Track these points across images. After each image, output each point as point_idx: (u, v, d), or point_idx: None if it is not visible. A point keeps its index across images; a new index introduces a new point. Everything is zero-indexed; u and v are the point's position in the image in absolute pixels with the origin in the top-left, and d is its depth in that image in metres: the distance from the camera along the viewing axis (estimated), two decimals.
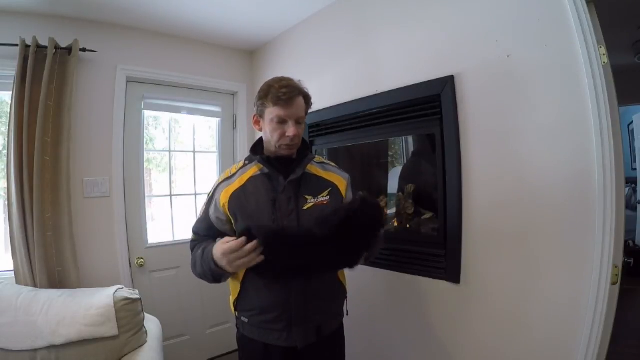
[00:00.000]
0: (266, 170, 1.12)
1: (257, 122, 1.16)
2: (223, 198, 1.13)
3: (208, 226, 1.16)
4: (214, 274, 1.07)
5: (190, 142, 2.53)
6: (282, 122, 1.08)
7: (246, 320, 1.14)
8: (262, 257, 0.95)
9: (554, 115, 1.19)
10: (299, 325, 1.09)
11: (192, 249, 1.18)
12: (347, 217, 0.96)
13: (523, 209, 1.27)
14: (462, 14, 1.42)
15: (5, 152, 1.79)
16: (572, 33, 1.13)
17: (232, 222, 1.13)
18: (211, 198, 1.17)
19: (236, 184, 1.14)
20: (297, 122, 1.10)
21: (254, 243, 0.93)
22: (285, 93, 1.05)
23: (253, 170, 1.16)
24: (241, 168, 1.18)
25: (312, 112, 2.06)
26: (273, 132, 1.10)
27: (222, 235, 1.14)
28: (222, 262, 0.99)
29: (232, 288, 1.19)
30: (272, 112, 1.08)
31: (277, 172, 1.11)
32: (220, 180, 1.19)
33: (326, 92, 1.99)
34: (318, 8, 2.04)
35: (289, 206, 1.09)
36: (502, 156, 1.33)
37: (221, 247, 0.99)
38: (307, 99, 1.14)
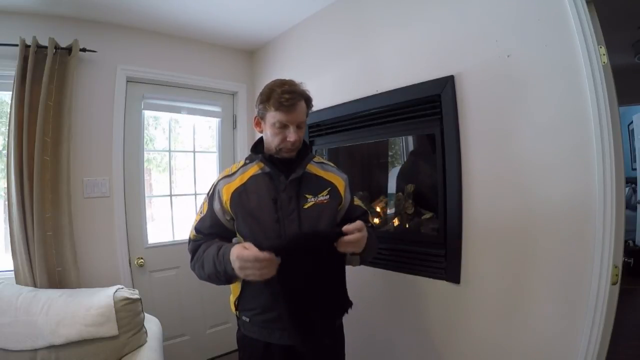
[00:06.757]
0: (267, 169, 1.13)
1: (258, 124, 1.16)
2: (225, 194, 1.12)
3: (214, 222, 1.13)
4: (228, 276, 1.01)
5: (190, 142, 2.53)
6: (283, 127, 1.08)
7: (247, 319, 1.15)
8: (273, 273, 0.92)
9: (554, 115, 1.19)
10: None
11: (195, 249, 1.13)
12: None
13: (523, 208, 1.27)
14: (462, 14, 1.42)
15: (5, 152, 1.79)
16: (572, 33, 1.13)
17: (234, 220, 1.13)
18: (212, 194, 1.16)
19: (237, 182, 1.14)
20: (298, 127, 1.10)
21: (271, 258, 0.90)
22: (287, 99, 1.04)
23: (254, 169, 1.16)
24: (242, 167, 1.18)
25: (312, 112, 2.03)
26: (274, 136, 1.10)
27: (229, 232, 1.14)
28: (235, 265, 0.94)
29: (233, 287, 1.19)
30: (273, 116, 1.07)
31: (278, 171, 1.11)
32: (220, 177, 1.18)
33: (326, 92, 1.99)
34: (318, 8, 2.04)
35: (290, 205, 1.10)
36: (502, 156, 1.33)
37: (240, 251, 0.93)
38: (309, 101, 1.14)
